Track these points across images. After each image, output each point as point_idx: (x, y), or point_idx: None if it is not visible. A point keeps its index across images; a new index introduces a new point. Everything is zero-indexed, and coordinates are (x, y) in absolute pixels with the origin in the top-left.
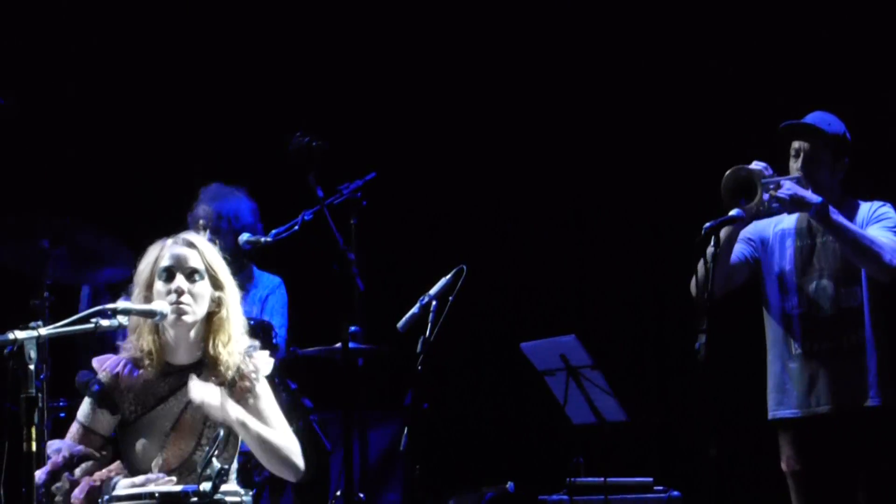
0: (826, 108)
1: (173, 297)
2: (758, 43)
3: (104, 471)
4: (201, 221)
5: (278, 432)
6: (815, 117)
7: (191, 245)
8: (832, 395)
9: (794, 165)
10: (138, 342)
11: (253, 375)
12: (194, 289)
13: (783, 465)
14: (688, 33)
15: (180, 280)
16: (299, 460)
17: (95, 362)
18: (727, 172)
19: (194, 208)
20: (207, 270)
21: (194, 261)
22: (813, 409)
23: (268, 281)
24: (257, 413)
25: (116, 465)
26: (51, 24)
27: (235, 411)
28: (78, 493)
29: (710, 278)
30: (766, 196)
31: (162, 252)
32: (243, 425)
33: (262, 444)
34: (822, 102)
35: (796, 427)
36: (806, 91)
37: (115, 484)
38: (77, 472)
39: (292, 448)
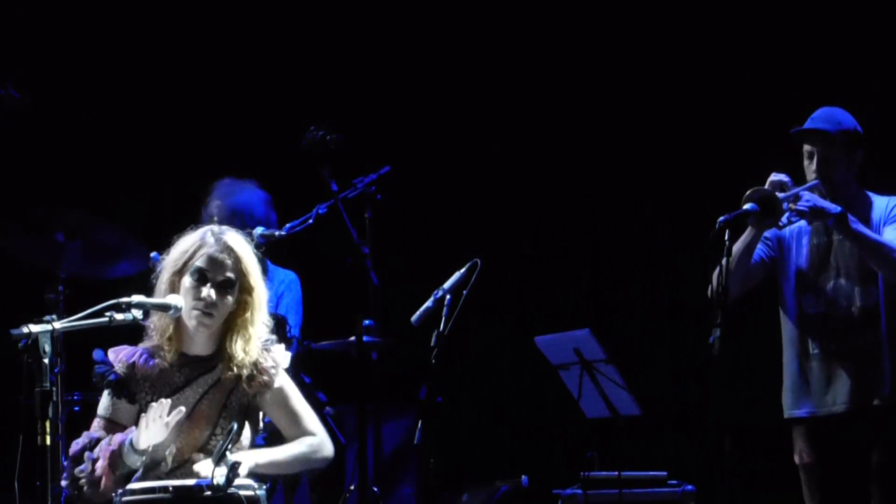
0: (840, 100)
1: (200, 304)
2: (772, 37)
3: (120, 434)
4: (215, 219)
5: (293, 443)
6: (822, 116)
7: (228, 251)
8: (849, 394)
9: (809, 167)
10: (160, 323)
11: (272, 371)
12: (222, 299)
13: (796, 458)
14: (702, 29)
15: (209, 290)
16: (324, 453)
17: (111, 353)
18: (746, 193)
19: (208, 203)
20: (240, 278)
21: (228, 270)
22: (829, 408)
23: (282, 276)
24: (281, 413)
25: (131, 428)
26: (67, 18)
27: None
28: (101, 462)
29: (726, 272)
30: (785, 206)
31: (200, 249)
32: (266, 466)
33: (284, 467)
34: (835, 94)
35: (811, 423)
36: (820, 82)
37: (132, 439)
38: (97, 449)
39: (313, 448)
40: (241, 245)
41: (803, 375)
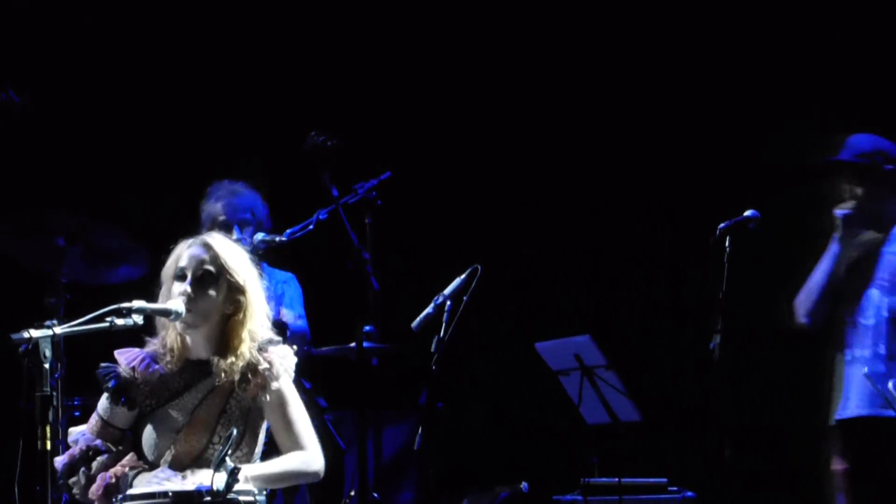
0: (839, 100)
1: (181, 299)
2: (775, 39)
3: (118, 466)
4: (221, 217)
5: (285, 458)
6: (850, 145)
7: (207, 247)
8: (867, 401)
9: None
10: (164, 338)
11: (267, 372)
12: (202, 293)
13: (832, 466)
14: (704, 34)
15: (186, 284)
16: (315, 468)
17: (117, 354)
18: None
19: (207, 207)
20: (222, 273)
21: (207, 263)
22: (848, 412)
23: (280, 277)
24: (277, 417)
25: (129, 458)
26: (68, 21)
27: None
28: (95, 490)
29: (727, 278)
30: None
31: (182, 251)
32: (254, 479)
33: (275, 482)
34: (836, 95)
35: (838, 429)
36: (823, 86)
37: (130, 481)
38: (94, 465)
39: (303, 465)
40: (224, 242)
41: (838, 381)
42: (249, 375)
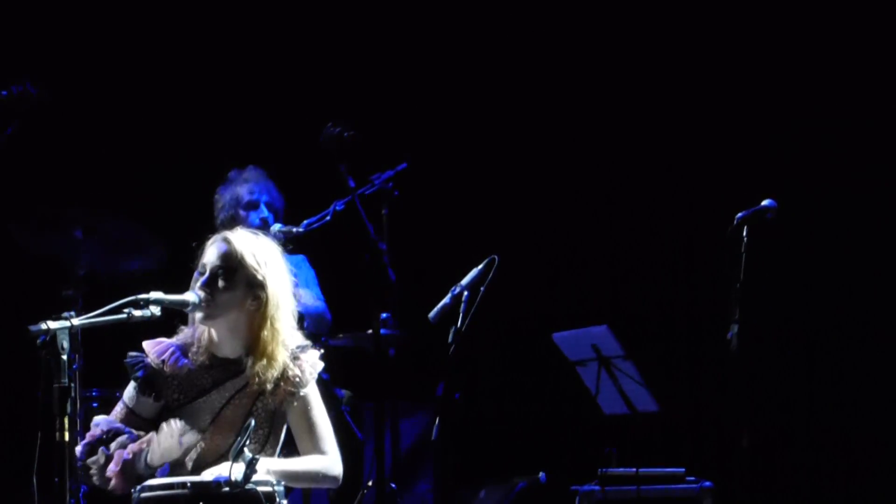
0: (843, 99)
1: (200, 293)
2: (792, 28)
3: (136, 443)
4: (247, 198)
5: (307, 459)
6: None
7: (226, 241)
8: None
9: None
10: (196, 329)
11: (297, 380)
12: (218, 287)
13: None
14: (716, 28)
15: (203, 279)
16: (334, 472)
17: (147, 345)
18: None
19: (229, 190)
20: (239, 268)
21: (224, 259)
22: None
23: (291, 261)
24: (300, 421)
25: (149, 436)
26: (83, 13)
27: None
28: (113, 467)
29: (743, 268)
30: None
31: (206, 247)
32: (275, 473)
33: (292, 480)
34: (840, 94)
35: None
36: (841, 76)
37: (147, 455)
38: (113, 445)
39: (324, 468)
40: (245, 237)
41: None
42: (281, 382)
